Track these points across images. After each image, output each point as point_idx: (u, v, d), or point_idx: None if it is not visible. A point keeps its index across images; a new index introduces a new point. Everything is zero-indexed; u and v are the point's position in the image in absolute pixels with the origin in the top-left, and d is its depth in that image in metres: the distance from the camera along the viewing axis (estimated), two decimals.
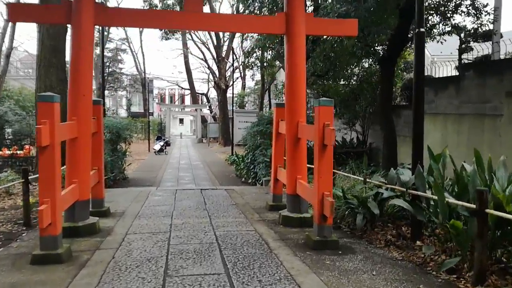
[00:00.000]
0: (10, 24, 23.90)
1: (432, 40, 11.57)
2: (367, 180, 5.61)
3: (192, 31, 25.06)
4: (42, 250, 4.04)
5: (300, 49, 5.45)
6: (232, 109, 22.57)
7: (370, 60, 12.54)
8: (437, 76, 12.51)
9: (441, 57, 18.44)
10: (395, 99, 13.27)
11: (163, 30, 21.38)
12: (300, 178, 5.45)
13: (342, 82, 15.22)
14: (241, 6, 16.11)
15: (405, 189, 4.83)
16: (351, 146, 13.69)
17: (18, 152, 12.00)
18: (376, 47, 9.76)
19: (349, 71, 14.83)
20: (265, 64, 21.95)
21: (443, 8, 10.30)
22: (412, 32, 9.80)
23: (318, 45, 13.05)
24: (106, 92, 48.83)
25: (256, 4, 10.99)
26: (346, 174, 6.95)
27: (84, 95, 4.99)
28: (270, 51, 18.89)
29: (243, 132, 28.02)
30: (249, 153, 12.74)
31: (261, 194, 8.43)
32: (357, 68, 14.43)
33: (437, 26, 10.77)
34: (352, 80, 14.85)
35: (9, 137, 14.09)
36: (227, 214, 6.43)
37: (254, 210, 6.74)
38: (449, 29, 10.73)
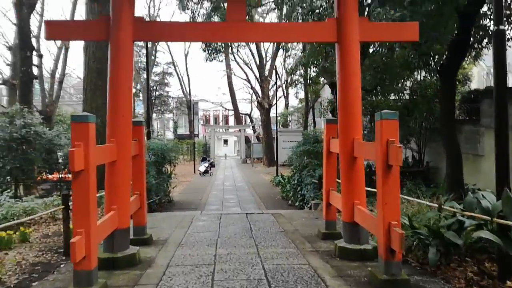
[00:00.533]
0: (63, 51, 25.43)
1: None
2: (442, 206, 4.80)
3: (235, 47, 25.10)
4: (75, 287, 3.68)
5: (354, 57, 4.89)
6: (276, 129, 22.12)
7: (424, 71, 11.62)
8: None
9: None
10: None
11: (206, 51, 21.54)
12: (358, 203, 4.79)
13: (392, 97, 14.38)
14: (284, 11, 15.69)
15: (489, 218, 4.03)
16: (406, 165, 12.67)
17: (68, 175, 12.18)
18: (434, 56, 8.93)
19: (399, 84, 13.98)
20: (308, 82, 21.43)
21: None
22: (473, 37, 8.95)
23: (368, 57, 12.38)
24: (154, 115, 50.50)
25: (304, 7, 10.50)
26: (409, 198, 6.15)
27: (123, 116, 4.72)
28: (314, 68, 18.44)
29: (287, 152, 27.58)
30: (296, 174, 12.12)
31: (311, 220, 7.77)
32: (408, 81, 13.54)
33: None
34: (403, 95, 13.97)
35: (60, 161, 14.47)
36: (276, 243, 5.85)
37: (305, 238, 6.10)
38: None
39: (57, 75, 25.77)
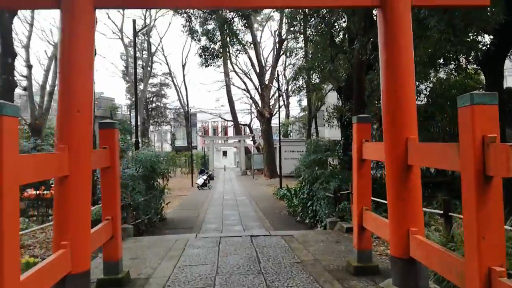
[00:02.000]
0: (53, 62, 24.18)
1: None
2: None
3: (233, 52, 23.77)
4: None
5: (405, 26, 3.51)
6: (279, 138, 20.73)
7: (454, 65, 10.21)
8: None
9: None
10: None
11: (203, 57, 20.27)
12: (416, 231, 3.34)
13: None
14: None
15: None
16: (429, 174, 11.23)
17: (45, 192, 10.71)
18: (478, 40, 7.53)
19: (419, 85, 12.69)
20: (311, 88, 20.11)
21: None
22: None
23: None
24: (151, 127, 49.14)
25: None
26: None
27: (80, 111, 3.30)
28: (318, 74, 17.17)
29: (290, 162, 26.10)
30: (305, 187, 10.67)
31: (331, 244, 6.30)
32: (428, 81, 12.22)
33: None
34: (420, 96, 12.65)
35: None
36: (294, 282, 4.37)
37: (330, 274, 4.63)
38: None
39: (48, 87, 24.58)
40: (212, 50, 20.69)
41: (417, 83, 12.54)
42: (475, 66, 10.32)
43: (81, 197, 3.31)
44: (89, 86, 3.45)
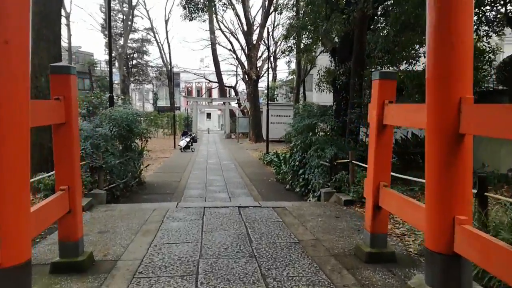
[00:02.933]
0: None
1: None
2: None
3: (220, 6, 22.18)
4: None
5: None
6: (267, 101, 19.71)
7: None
8: None
9: None
10: (487, 83, 10.06)
11: (186, 9, 18.70)
12: (464, 220, 2.54)
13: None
14: None
15: None
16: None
17: None
18: None
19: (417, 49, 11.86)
20: (302, 48, 18.94)
21: None
22: None
23: (391, 9, 10.11)
24: (132, 85, 47.15)
25: None
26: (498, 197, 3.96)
27: (7, 43, 2.28)
28: (310, 34, 16.02)
29: (277, 127, 25.24)
30: (296, 154, 9.88)
31: (331, 220, 5.57)
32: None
33: None
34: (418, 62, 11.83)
35: None
36: (294, 270, 3.60)
37: (337, 260, 3.88)
38: None
39: None
40: (197, 2, 19.12)
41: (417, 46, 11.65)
42: (486, 28, 9.43)
43: (16, 161, 2.36)
44: (25, 7, 2.40)
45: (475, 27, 9.47)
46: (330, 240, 4.56)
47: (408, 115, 3.26)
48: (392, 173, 5.78)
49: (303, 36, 16.88)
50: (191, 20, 19.20)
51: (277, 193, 9.87)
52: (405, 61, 12.18)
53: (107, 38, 39.83)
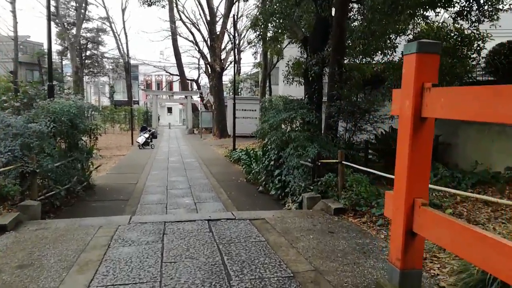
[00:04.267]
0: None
1: None
2: None
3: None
4: None
5: None
6: (234, 94, 18.43)
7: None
8: None
9: None
10: (474, 72, 9.36)
11: None
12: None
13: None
14: None
15: None
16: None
17: None
18: None
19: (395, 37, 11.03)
20: (269, 38, 17.82)
21: None
22: None
23: None
24: (86, 77, 44.13)
25: None
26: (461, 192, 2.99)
27: None
28: (279, 21, 14.92)
29: (243, 121, 24.04)
30: (271, 151, 8.76)
31: (324, 236, 4.49)
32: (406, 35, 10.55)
33: None
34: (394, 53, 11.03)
35: None
36: None
37: None
38: None
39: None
40: None
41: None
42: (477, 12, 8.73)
43: None
44: None
45: (466, 11, 8.76)
46: (333, 271, 3.46)
47: (447, 103, 2.19)
48: (375, 172, 4.79)
49: (271, 25, 15.80)
50: (149, 5, 17.56)
51: (250, 197, 8.72)
52: (379, 52, 11.35)
53: (59, 28, 36.77)
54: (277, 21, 14.64)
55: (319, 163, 6.63)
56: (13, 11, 25.28)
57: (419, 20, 10.44)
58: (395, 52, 11.31)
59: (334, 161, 6.21)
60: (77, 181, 8.00)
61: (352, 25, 11.63)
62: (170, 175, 11.69)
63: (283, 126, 8.67)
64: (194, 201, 8.17)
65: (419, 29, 10.73)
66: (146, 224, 4.97)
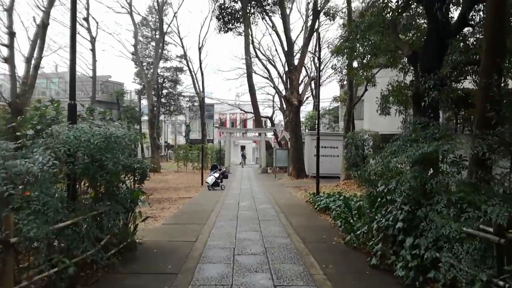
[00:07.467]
0: (41, 30, 19.66)
1: None
2: None
3: (258, 13, 18.78)
4: None
5: None
6: (318, 126, 15.48)
7: None
8: None
9: None
10: None
11: (221, 19, 15.35)
12: None
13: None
14: None
15: None
16: None
17: None
18: None
19: None
20: (359, 62, 14.87)
21: None
22: None
23: None
24: (163, 116, 44.64)
25: None
26: None
27: None
28: (377, 37, 12.05)
29: (324, 160, 20.90)
30: (393, 206, 5.59)
31: None
32: None
33: None
34: None
35: None
36: None
37: None
38: None
39: (33, 60, 20.21)
40: (232, 10, 15.80)
41: None
42: None
43: None
44: None
45: None
46: None
47: None
48: None
49: (361, 47, 13.00)
50: (226, 32, 15.83)
51: (359, 276, 5.54)
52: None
53: (137, 68, 37.69)
54: (372, 39, 11.81)
55: None
56: (92, 49, 25.64)
57: None
58: None
59: None
60: (109, 242, 5.56)
61: None
62: (239, 228, 8.93)
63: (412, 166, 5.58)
64: (274, 281, 5.23)
65: None
66: None
